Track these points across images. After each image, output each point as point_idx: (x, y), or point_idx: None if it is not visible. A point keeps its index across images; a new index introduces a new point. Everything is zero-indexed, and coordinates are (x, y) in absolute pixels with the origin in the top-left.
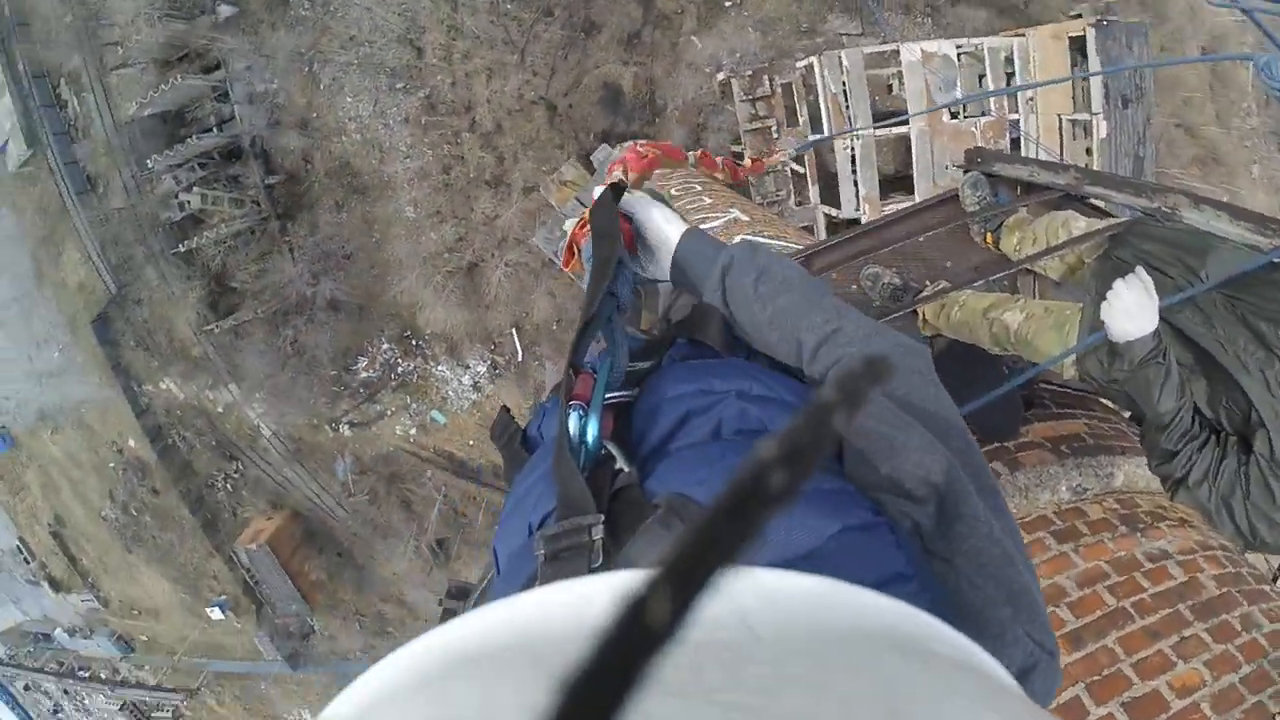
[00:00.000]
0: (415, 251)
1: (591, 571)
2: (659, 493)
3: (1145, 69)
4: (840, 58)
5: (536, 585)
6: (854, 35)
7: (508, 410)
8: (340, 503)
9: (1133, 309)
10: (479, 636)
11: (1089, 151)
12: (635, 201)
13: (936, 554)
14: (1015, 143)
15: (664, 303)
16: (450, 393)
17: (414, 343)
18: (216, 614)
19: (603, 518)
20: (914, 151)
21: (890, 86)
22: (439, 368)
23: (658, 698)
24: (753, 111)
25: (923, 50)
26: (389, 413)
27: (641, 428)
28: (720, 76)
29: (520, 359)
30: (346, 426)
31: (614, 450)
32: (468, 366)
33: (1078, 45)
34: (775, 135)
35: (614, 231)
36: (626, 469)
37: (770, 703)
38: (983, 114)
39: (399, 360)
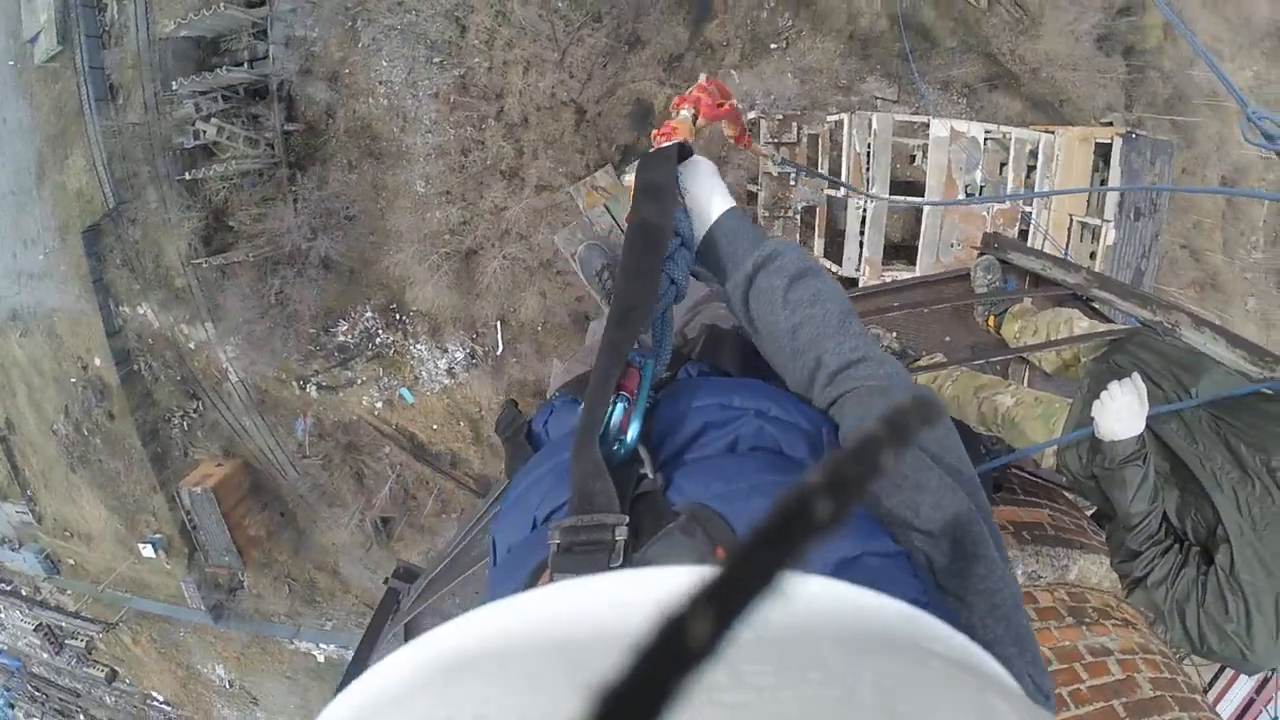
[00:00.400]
0: (417, 227)
1: (611, 570)
2: (677, 501)
3: (1163, 181)
4: (871, 120)
5: (548, 575)
6: (888, 100)
7: (515, 404)
8: (293, 462)
9: (1124, 411)
10: (495, 633)
11: (1093, 255)
12: (693, 162)
13: (949, 591)
14: (1023, 233)
15: (681, 319)
16: (424, 373)
17: (397, 317)
18: (148, 551)
19: (627, 519)
20: (923, 224)
21: (914, 157)
22: (417, 346)
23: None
24: (775, 155)
25: (953, 128)
26: (359, 381)
27: (660, 435)
28: (751, 115)
29: (499, 353)
30: (314, 387)
31: (644, 454)
32: (446, 350)
33: (1102, 151)
34: (792, 182)
35: (671, 195)
36: (650, 474)
37: (770, 702)
38: (997, 202)
39: (379, 331)
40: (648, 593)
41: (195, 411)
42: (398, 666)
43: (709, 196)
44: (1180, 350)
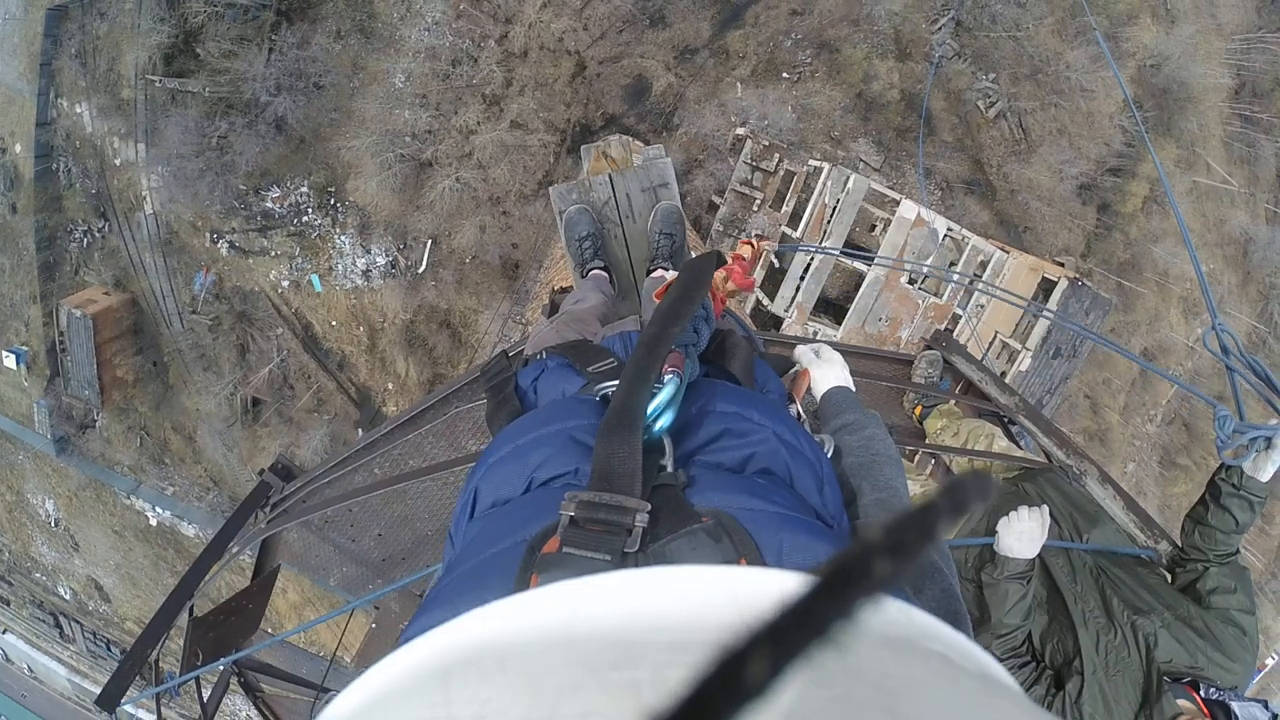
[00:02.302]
0: (383, 119)
1: (625, 555)
2: (698, 503)
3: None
4: (849, 178)
5: (555, 543)
6: (870, 166)
7: (506, 354)
8: (181, 314)
9: (1025, 534)
10: (497, 632)
11: (1003, 374)
12: (832, 359)
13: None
14: (949, 332)
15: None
16: (340, 267)
17: (332, 202)
18: (10, 361)
19: (649, 507)
20: (861, 290)
21: (875, 226)
22: (342, 238)
23: (665, 699)
24: (748, 177)
25: (920, 214)
26: (273, 254)
27: (677, 430)
28: (740, 130)
29: (421, 271)
30: (226, 244)
31: (669, 446)
32: (369, 251)
33: (1046, 286)
34: (754, 209)
35: (704, 291)
36: (670, 468)
37: (769, 702)
38: (936, 295)
39: (310, 210)
40: (662, 601)
41: (100, 231)
42: (398, 665)
43: (836, 375)
44: (1083, 497)
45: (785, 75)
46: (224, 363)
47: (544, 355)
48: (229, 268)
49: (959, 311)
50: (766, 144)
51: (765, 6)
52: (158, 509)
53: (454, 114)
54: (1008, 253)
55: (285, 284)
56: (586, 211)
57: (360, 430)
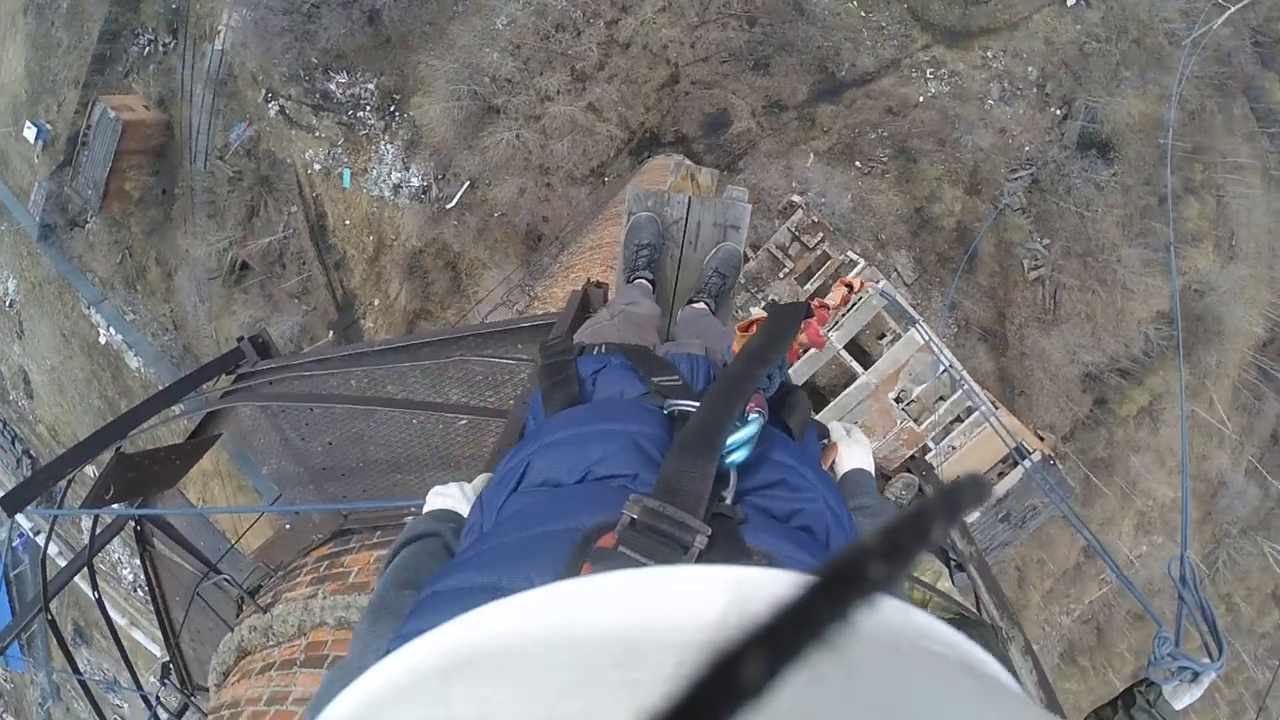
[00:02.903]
0: (471, 52)
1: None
2: (750, 541)
3: (1043, 513)
4: (880, 282)
5: (612, 538)
6: (902, 279)
7: (568, 338)
8: (209, 156)
9: None
10: (498, 632)
11: None
12: (855, 433)
13: None
14: (913, 459)
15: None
16: (375, 172)
17: (392, 109)
18: (30, 133)
19: (710, 531)
20: (849, 389)
21: (884, 335)
22: (387, 146)
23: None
24: (786, 244)
25: (931, 342)
26: (317, 134)
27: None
28: (795, 198)
29: (449, 207)
30: (277, 107)
31: (734, 480)
32: (408, 169)
33: (1017, 453)
34: (781, 275)
35: (790, 339)
36: (729, 500)
37: (765, 703)
38: (915, 420)
39: (368, 107)
40: (662, 600)
41: (165, 46)
42: (397, 664)
43: (861, 457)
44: (1003, 661)
45: (858, 164)
46: (229, 217)
47: (603, 349)
48: (271, 130)
49: (930, 444)
50: (815, 220)
51: (865, 95)
52: (112, 329)
53: (539, 74)
54: (997, 408)
55: (317, 167)
56: (655, 222)
57: (332, 332)
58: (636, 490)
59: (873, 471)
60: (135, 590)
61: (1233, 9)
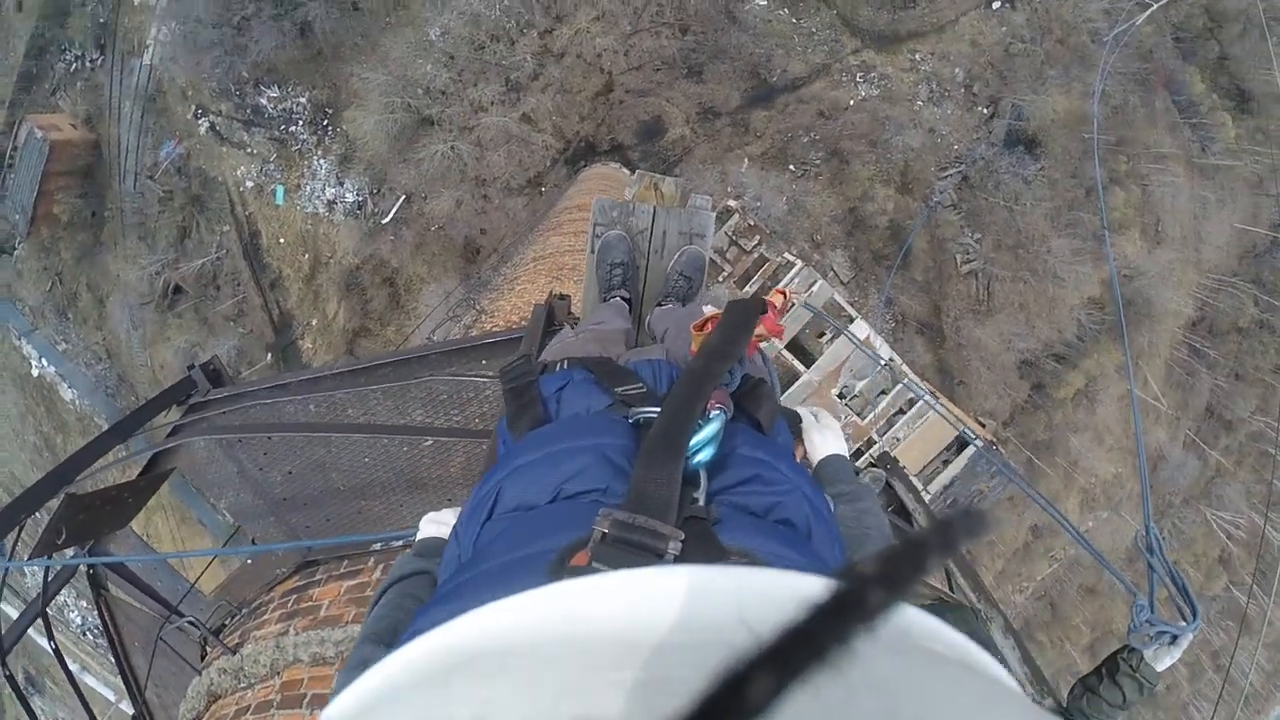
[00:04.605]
0: (405, 64)
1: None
2: (727, 541)
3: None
4: (816, 283)
5: (585, 557)
6: (839, 278)
7: (529, 358)
8: (138, 176)
9: None
10: (499, 632)
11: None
12: (824, 417)
13: None
14: (858, 453)
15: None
16: (308, 188)
17: (325, 123)
18: None
19: (683, 536)
20: (793, 386)
21: (824, 334)
22: (320, 161)
23: (665, 699)
24: (723, 248)
25: (870, 336)
26: (249, 150)
27: (708, 466)
28: (732, 203)
29: (385, 222)
30: (208, 124)
31: (704, 480)
32: (342, 184)
33: (961, 440)
34: (720, 279)
35: (749, 334)
36: (702, 503)
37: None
38: (859, 414)
39: (300, 122)
40: (662, 601)
41: (92, 62)
42: (397, 665)
43: (834, 442)
44: (987, 642)
45: (792, 168)
46: (161, 239)
47: (565, 365)
48: (201, 148)
49: (875, 437)
50: (752, 223)
51: (797, 99)
52: (45, 361)
53: (473, 85)
54: (936, 397)
55: (249, 184)
56: (625, 240)
57: (270, 355)
58: (607, 503)
59: (847, 454)
60: (84, 634)
61: (1155, 6)
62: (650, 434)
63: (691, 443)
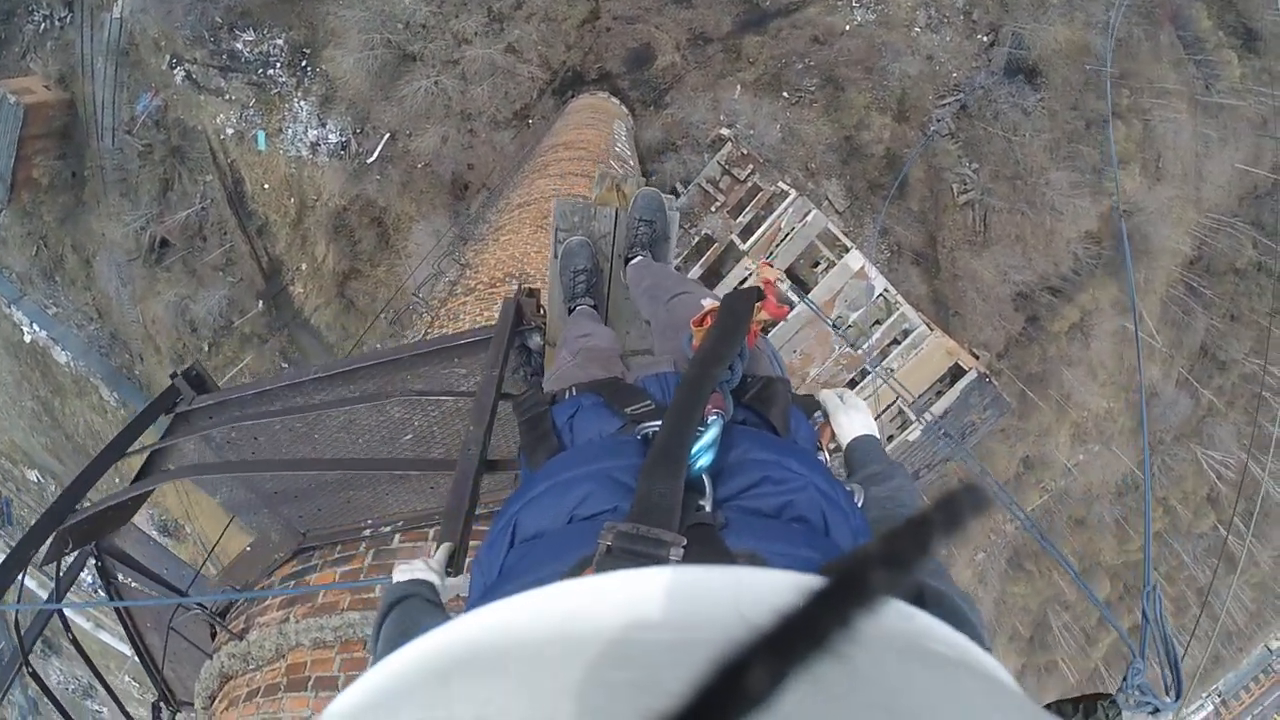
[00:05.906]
0: (381, 0)
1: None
2: (734, 545)
3: (982, 428)
4: (811, 211)
5: (592, 572)
6: (833, 208)
7: (539, 388)
8: (116, 132)
9: None
10: (499, 632)
11: (890, 439)
12: (849, 398)
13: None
14: (853, 383)
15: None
16: (290, 132)
17: (304, 64)
18: None
19: (685, 541)
20: (785, 319)
21: (818, 264)
22: (301, 103)
23: (665, 697)
24: (717, 178)
25: (865, 267)
26: (227, 97)
27: (715, 472)
28: (724, 131)
29: (370, 161)
30: (183, 73)
31: (708, 486)
32: (324, 126)
33: (955, 371)
34: (713, 209)
35: (745, 331)
36: (709, 508)
37: (770, 710)
38: (851, 345)
39: (278, 64)
40: (662, 601)
41: (61, 20)
42: (398, 664)
43: (862, 423)
44: (969, 623)
45: (785, 95)
46: (144, 194)
47: (573, 392)
48: (178, 98)
49: (869, 367)
50: (745, 152)
51: (791, 24)
52: (35, 326)
53: (454, 17)
54: (931, 329)
55: (229, 131)
56: (588, 245)
57: (261, 302)
58: (615, 520)
59: (877, 434)
60: (95, 591)
61: None
62: (651, 447)
63: (691, 451)
